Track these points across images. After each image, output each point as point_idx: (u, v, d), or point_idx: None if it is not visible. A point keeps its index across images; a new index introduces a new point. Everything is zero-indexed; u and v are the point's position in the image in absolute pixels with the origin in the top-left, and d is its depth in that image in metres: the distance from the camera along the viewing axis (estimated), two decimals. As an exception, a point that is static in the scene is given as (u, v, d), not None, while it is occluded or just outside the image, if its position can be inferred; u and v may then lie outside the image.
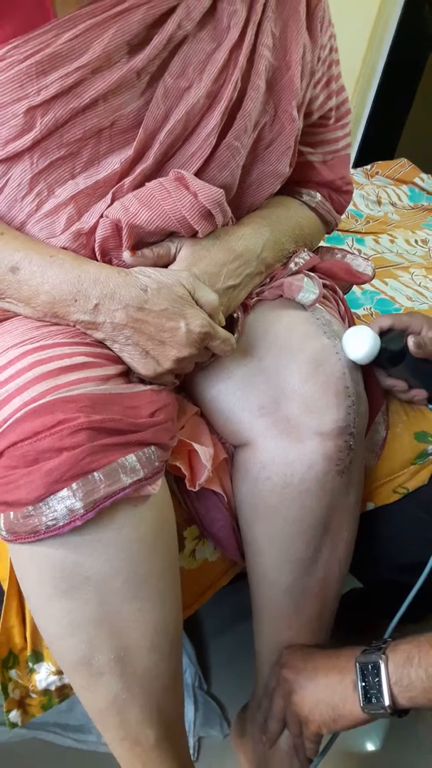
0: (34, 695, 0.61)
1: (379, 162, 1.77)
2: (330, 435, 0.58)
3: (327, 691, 0.57)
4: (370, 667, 0.54)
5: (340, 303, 0.70)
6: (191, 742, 0.88)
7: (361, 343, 0.61)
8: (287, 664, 0.62)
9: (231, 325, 0.62)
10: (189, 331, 0.53)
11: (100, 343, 0.54)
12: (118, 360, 0.54)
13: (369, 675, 0.54)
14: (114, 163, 0.55)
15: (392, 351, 0.64)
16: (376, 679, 0.53)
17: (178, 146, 0.56)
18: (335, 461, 0.59)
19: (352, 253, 0.72)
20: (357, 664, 0.55)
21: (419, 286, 1.18)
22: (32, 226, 0.57)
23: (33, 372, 0.49)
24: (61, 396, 0.48)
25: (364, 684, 0.54)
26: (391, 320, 0.65)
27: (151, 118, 0.54)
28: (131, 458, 0.49)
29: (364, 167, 1.76)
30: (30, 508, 0.47)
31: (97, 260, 0.57)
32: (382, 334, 0.65)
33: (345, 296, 0.74)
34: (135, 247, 0.56)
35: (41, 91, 0.50)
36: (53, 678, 0.60)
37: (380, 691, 0.52)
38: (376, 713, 0.54)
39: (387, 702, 0.52)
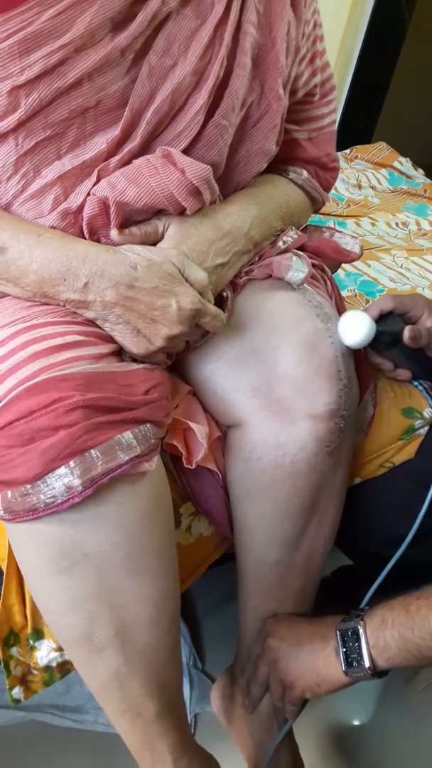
0: (35, 672, 0.62)
1: (358, 146, 1.77)
2: (321, 418, 0.59)
3: (311, 658, 0.60)
4: (349, 633, 0.56)
5: (328, 282, 0.71)
6: (188, 718, 0.89)
7: (357, 330, 0.61)
8: (272, 632, 0.64)
9: (220, 304, 0.62)
10: (180, 309, 0.53)
11: (91, 323, 0.54)
12: (110, 339, 0.54)
13: (349, 640, 0.56)
14: (100, 143, 0.54)
15: (387, 337, 0.65)
16: (356, 644, 0.55)
17: (165, 125, 0.56)
18: (326, 443, 0.60)
19: (340, 232, 0.72)
20: (338, 631, 0.57)
21: (401, 267, 1.20)
22: (18, 207, 0.56)
23: (26, 351, 0.49)
24: (56, 374, 0.48)
25: (345, 649, 0.56)
26: (392, 303, 0.66)
27: (136, 97, 0.53)
28: (128, 435, 0.49)
29: (344, 151, 1.76)
30: (28, 486, 0.46)
31: (86, 239, 0.57)
32: (381, 316, 0.66)
33: (330, 276, 0.74)
34: (122, 226, 0.56)
35: (24, 70, 0.49)
36: (54, 655, 0.60)
37: (360, 654, 0.55)
38: (357, 676, 0.56)
39: (367, 664, 0.54)
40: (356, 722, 0.97)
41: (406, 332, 0.64)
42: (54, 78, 0.50)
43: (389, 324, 0.65)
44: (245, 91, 0.59)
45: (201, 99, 0.55)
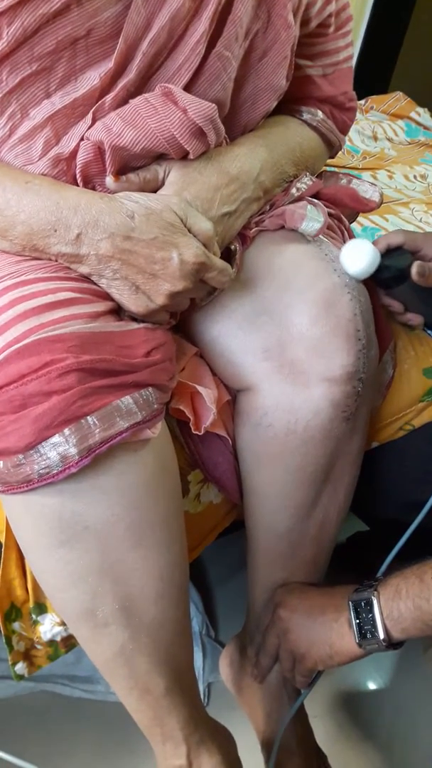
0: (39, 646, 0.61)
1: (374, 96, 1.70)
2: (338, 381, 0.55)
3: (323, 630, 0.58)
4: (363, 603, 0.55)
5: (346, 233, 0.66)
6: (201, 688, 0.89)
7: (359, 258, 0.57)
8: (283, 603, 0.63)
9: (228, 258, 0.57)
10: (182, 262, 0.49)
11: (86, 279, 0.50)
12: (106, 296, 0.50)
13: (363, 612, 0.55)
14: (92, 78, 0.49)
15: (394, 271, 0.61)
16: (370, 615, 0.54)
17: (164, 57, 0.51)
18: (342, 408, 0.56)
19: (358, 178, 0.67)
20: (350, 603, 0.56)
21: (420, 221, 1.15)
22: (6, 154, 0.52)
23: (14, 310, 0.45)
24: (47, 335, 0.44)
25: (358, 621, 0.55)
26: (402, 238, 0.62)
27: (131, 25, 0.48)
28: (127, 400, 0.46)
29: (358, 102, 1.68)
30: (20, 456, 0.44)
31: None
32: (390, 251, 0.62)
33: (347, 228, 0.69)
34: (120, 172, 0.52)
35: None
36: (58, 629, 0.59)
37: (374, 626, 0.54)
38: (371, 648, 0.55)
39: (382, 636, 0.53)
40: (371, 691, 0.96)
41: (414, 267, 0.60)
42: (38, 3, 0.45)
43: (396, 258, 0.61)
44: (250, 18, 0.53)
45: (201, 27, 0.50)
